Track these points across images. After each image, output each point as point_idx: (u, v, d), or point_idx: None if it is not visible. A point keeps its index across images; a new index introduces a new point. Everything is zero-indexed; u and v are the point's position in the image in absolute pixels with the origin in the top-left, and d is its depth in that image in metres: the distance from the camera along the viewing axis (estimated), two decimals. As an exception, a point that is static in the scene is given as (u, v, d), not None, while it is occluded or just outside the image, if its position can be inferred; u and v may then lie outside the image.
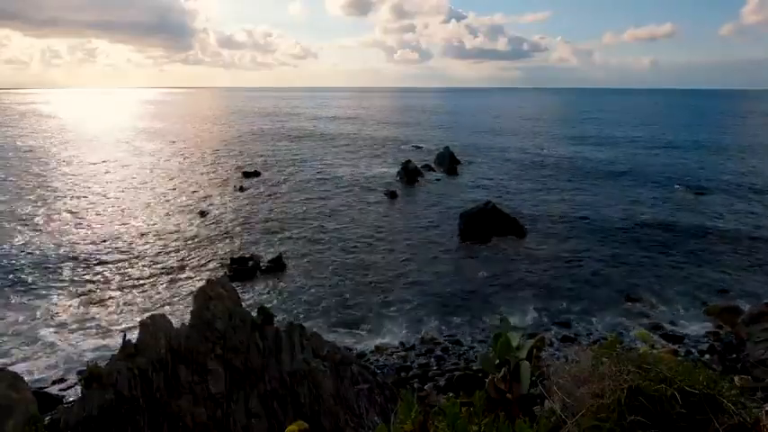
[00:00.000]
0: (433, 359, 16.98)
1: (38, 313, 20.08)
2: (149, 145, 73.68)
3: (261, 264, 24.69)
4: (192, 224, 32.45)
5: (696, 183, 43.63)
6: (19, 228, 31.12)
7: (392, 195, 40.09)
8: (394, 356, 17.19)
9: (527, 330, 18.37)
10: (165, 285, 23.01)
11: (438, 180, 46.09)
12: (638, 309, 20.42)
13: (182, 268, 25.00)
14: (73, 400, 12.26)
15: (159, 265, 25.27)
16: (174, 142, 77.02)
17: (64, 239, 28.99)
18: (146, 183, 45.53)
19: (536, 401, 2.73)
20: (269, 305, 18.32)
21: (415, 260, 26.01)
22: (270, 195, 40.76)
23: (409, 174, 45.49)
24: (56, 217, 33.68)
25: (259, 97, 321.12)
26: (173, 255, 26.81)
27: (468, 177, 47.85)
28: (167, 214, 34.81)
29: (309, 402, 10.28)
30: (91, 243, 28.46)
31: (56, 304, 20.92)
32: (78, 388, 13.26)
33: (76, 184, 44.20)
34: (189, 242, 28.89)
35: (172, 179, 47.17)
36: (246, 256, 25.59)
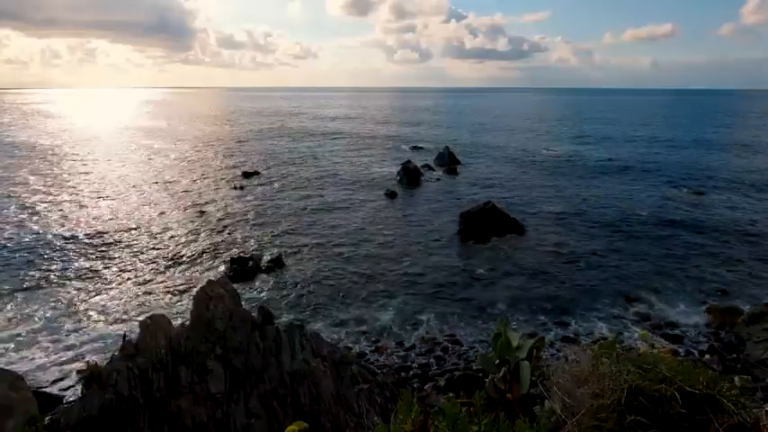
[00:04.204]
0: (432, 359, 16.96)
1: (37, 313, 20.07)
2: (149, 145, 73.66)
3: (261, 264, 24.68)
4: (191, 224, 32.44)
5: (696, 182, 43.62)
6: (17, 228, 31.11)
7: (392, 195, 40.08)
8: (394, 356, 17.19)
9: (527, 330, 18.36)
10: (164, 285, 23.00)
11: (438, 180, 46.08)
12: (638, 309, 20.40)
13: (181, 268, 25.00)
14: (73, 400, 12.25)
15: (159, 265, 25.26)
16: (173, 142, 77.00)
17: (63, 239, 28.98)
18: (145, 182, 45.49)
19: (536, 401, 2.73)
20: (269, 305, 18.33)
21: (415, 260, 26.01)
22: (270, 195, 40.75)
23: (409, 174, 45.47)
24: (54, 217, 33.65)
25: (259, 97, 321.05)
26: (172, 255, 26.81)
27: (468, 177, 47.84)
28: (167, 214, 34.80)
29: (309, 402, 10.27)
30: (90, 243, 28.44)
31: (55, 304, 20.91)
32: (78, 388, 13.27)
33: (75, 184, 44.18)
34: (189, 242, 28.88)
35: (171, 179, 47.15)
36: (246, 256, 25.58)
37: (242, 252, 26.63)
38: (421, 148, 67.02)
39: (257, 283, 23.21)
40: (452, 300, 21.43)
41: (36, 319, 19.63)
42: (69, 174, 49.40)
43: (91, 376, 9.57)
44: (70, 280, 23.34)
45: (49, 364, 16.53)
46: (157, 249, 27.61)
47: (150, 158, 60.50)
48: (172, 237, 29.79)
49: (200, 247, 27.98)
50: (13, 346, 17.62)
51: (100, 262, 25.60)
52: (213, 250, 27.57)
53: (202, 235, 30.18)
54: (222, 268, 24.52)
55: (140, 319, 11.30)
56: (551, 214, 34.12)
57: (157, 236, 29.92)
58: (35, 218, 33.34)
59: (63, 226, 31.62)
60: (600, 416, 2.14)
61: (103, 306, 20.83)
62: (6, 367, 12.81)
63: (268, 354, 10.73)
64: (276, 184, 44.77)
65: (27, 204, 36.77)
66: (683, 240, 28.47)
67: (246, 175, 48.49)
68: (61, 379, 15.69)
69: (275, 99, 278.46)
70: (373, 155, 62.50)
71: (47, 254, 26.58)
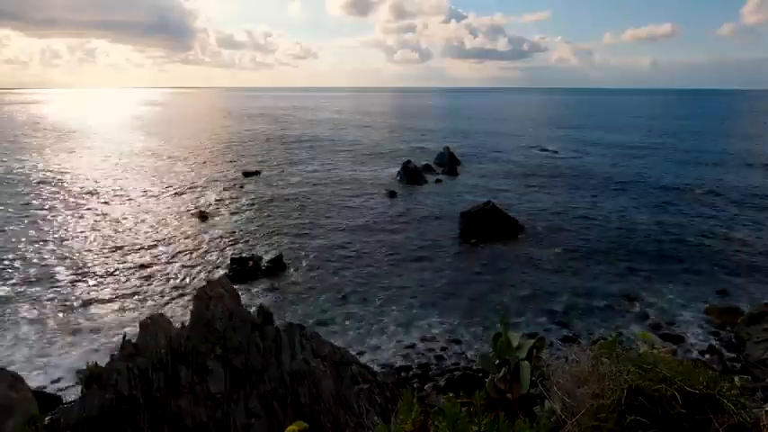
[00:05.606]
0: (433, 359, 16.98)
1: (38, 313, 20.07)
2: (149, 145, 73.67)
3: (261, 264, 24.67)
4: (191, 224, 32.45)
5: (696, 183, 43.62)
6: (18, 229, 31.11)
7: (392, 195, 40.09)
8: (394, 356, 17.20)
9: (527, 330, 18.36)
10: (165, 285, 23.01)
11: (438, 180, 46.07)
12: (638, 309, 20.42)
13: (182, 268, 25.00)
14: (73, 400, 12.24)
15: (159, 265, 25.27)
16: (173, 142, 77.02)
17: (63, 240, 28.99)
18: (145, 183, 45.51)
19: (536, 401, 2.73)
20: (269, 305, 18.32)
21: (415, 260, 26.01)
22: (270, 195, 40.75)
23: (409, 174, 45.48)
24: (55, 218, 33.66)
25: (259, 97, 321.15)
26: (172, 255, 26.81)
27: (468, 177, 47.85)
28: (167, 214, 34.80)
29: (309, 402, 10.27)
30: (90, 243, 28.45)
31: (56, 304, 20.91)
32: (78, 388, 13.25)
33: (75, 185, 44.19)
34: (189, 242, 28.89)
35: (172, 179, 47.15)
36: (246, 256, 25.57)
37: (242, 252, 26.64)
38: (421, 148, 67.02)
39: (257, 283, 23.20)
40: (452, 299, 21.43)
41: (36, 319, 19.63)
42: (69, 176, 49.39)
43: (91, 376, 9.55)
44: (70, 280, 23.34)
45: (49, 365, 16.54)
46: (158, 249, 27.61)
47: (150, 159, 60.49)
48: (172, 237, 29.79)
49: (201, 247, 27.99)
50: (13, 346, 17.63)
51: (100, 262, 25.60)
52: (213, 250, 27.57)
53: (202, 235, 30.18)
54: (222, 268, 24.52)
55: (140, 319, 11.30)
56: (552, 214, 34.12)
57: (158, 236, 29.92)
58: (36, 218, 33.32)
59: (63, 227, 31.63)
60: (600, 416, 2.14)
61: (104, 306, 20.83)
62: (6, 367, 12.81)
63: (268, 354, 10.73)
64: (277, 184, 44.78)
65: (27, 206, 36.76)
66: (683, 241, 28.47)
67: (247, 174, 48.50)
68: (61, 379, 15.70)
69: (275, 99, 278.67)
70: (373, 155, 62.51)
71: (47, 254, 26.57)
